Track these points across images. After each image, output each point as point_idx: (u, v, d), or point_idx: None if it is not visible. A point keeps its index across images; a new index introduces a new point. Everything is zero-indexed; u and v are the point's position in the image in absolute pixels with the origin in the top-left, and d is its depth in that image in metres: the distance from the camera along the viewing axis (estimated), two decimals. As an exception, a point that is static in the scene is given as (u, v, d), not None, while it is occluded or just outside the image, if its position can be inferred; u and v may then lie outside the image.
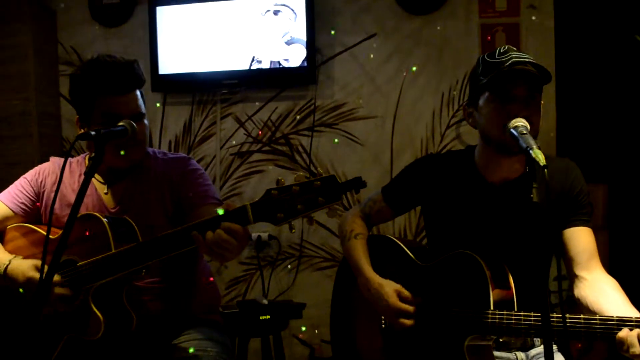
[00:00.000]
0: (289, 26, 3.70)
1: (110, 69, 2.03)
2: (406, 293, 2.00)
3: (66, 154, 1.90)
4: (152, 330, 2.06)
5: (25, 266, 1.95)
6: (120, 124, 1.93)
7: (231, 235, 1.67)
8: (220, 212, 1.71)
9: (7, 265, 1.97)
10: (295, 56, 3.70)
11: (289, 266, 3.82)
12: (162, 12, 3.82)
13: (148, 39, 3.85)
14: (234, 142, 3.90)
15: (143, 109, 2.09)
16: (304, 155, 3.82)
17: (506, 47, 1.94)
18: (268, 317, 3.09)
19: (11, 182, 2.22)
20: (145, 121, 2.10)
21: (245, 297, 3.85)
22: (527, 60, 1.87)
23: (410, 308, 1.98)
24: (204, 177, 2.19)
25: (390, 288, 2.01)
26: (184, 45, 3.80)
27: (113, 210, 2.11)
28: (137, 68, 2.08)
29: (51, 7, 4.05)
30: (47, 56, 4.00)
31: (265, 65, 3.73)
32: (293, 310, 3.25)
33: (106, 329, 1.87)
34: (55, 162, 2.22)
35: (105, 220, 1.94)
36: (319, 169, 1.64)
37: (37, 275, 1.88)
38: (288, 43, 3.70)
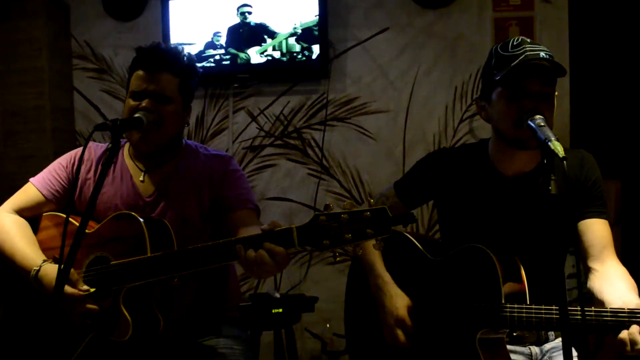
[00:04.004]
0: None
1: (149, 49, 2.08)
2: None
3: (85, 144, 1.90)
4: (178, 330, 2.05)
5: (53, 275, 1.91)
6: (137, 115, 1.95)
7: (273, 258, 1.63)
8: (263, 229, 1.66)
9: (38, 271, 1.95)
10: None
11: (300, 260, 3.82)
12: (174, 5, 3.83)
13: (161, 32, 3.85)
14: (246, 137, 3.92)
15: (169, 93, 2.05)
16: (316, 149, 3.82)
17: (519, 39, 1.91)
18: (281, 310, 3.09)
19: (25, 176, 2.21)
20: (173, 108, 2.07)
21: (256, 291, 3.86)
22: (540, 52, 1.85)
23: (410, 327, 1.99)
24: (244, 179, 2.18)
25: (403, 302, 2.02)
26: (197, 39, 3.80)
27: (148, 199, 2.09)
28: (174, 54, 2.09)
29: (65, 2, 4.06)
30: (61, 51, 4.02)
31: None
32: (305, 303, 3.24)
33: (134, 332, 1.84)
34: (91, 147, 2.19)
35: (142, 221, 1.90)
36: (370, 199, 1.60)
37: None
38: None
